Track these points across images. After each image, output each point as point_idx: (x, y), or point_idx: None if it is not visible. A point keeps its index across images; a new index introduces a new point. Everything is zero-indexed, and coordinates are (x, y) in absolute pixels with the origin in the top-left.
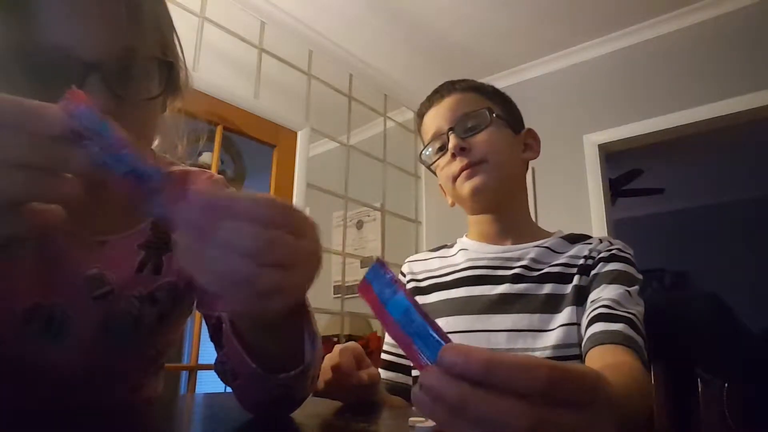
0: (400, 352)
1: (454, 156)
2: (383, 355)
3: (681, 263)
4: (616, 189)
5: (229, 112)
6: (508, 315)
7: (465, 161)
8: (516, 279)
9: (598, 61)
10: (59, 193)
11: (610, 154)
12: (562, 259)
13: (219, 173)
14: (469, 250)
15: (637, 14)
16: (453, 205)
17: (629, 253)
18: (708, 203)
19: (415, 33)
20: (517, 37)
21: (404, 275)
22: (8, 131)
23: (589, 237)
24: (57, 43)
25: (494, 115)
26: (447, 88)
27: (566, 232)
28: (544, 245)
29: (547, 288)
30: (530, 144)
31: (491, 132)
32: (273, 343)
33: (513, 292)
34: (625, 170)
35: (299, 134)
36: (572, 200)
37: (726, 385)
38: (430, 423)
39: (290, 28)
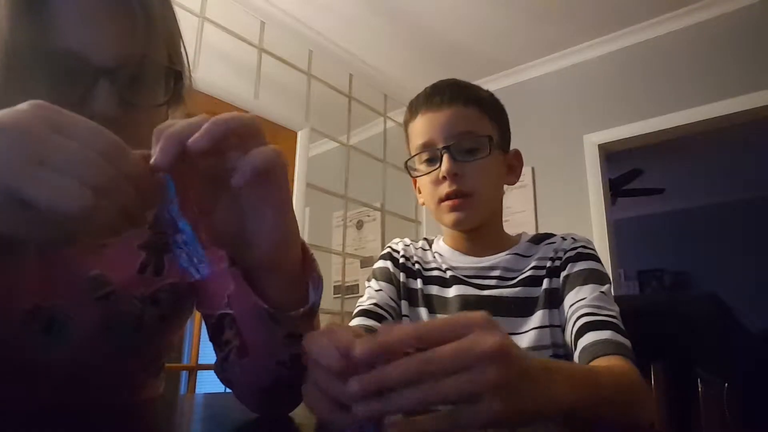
0: (380, 303)
1: (444, 178)
2: (364, 305)
3: (681, 263)
4: (616, 189)
5: (229, 111)
6: None
7: (454, 187)
8: (491, 287)
9: (598, 61)
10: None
11: (610, 154)
12: (531, 263)
13: None
14: (444, 257)
15: (637, 14)
16: (423, 204)
17: (594, 250)
18: (708, 203)
19: (415, 33)
20: (517, 37)
21: (397, 251)
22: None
23: (553, 235)
24: (70, 48)
25: (493, 143)
26: (449, 96)
27: (532, 233)
28: (514, 252)
29: (519, 292)
30: (514, 167)
31: (485, 162)
32: (283, 288)
33: (486, 296)
34: (625, 170)
35: (299, 134)
36: (572, 200)
37: (726, 385)
38: None
39: (290, 28)
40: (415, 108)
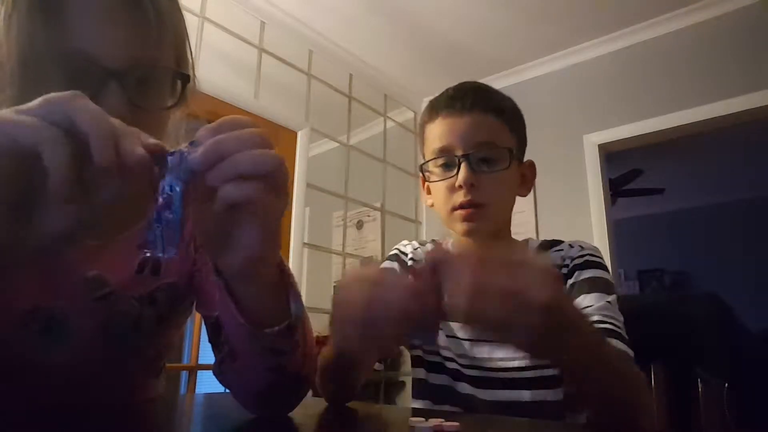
0: None
1: (460, 187)
2: None
3: (681, 263)
4: (616, 189)
5: (229, 112)
6: None
7: (469, 197)
8: None
9: (598, 61)
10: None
11: (610, 154)
12: None
13: None
14: None
15: (637, 14)
16: (432, 206)
17: (601, 258)
18: (708, 203)
19: (415, 33)
20: (517, 37)
21: (405, 254)
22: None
23: (560, 242)
24: (83, 48)
25: (513, 155)
26: (471, 102)
27: (535, 237)
28: None
29: None
30: (527, 177)
31: (503, 175)
32: (262, 301)
33: None
34: (625, 170)
35: (299, 134)
36: (572, 200)
37: (726, 385)
38: (431, 423)
39: (290, 28)
40: (435, 110)
